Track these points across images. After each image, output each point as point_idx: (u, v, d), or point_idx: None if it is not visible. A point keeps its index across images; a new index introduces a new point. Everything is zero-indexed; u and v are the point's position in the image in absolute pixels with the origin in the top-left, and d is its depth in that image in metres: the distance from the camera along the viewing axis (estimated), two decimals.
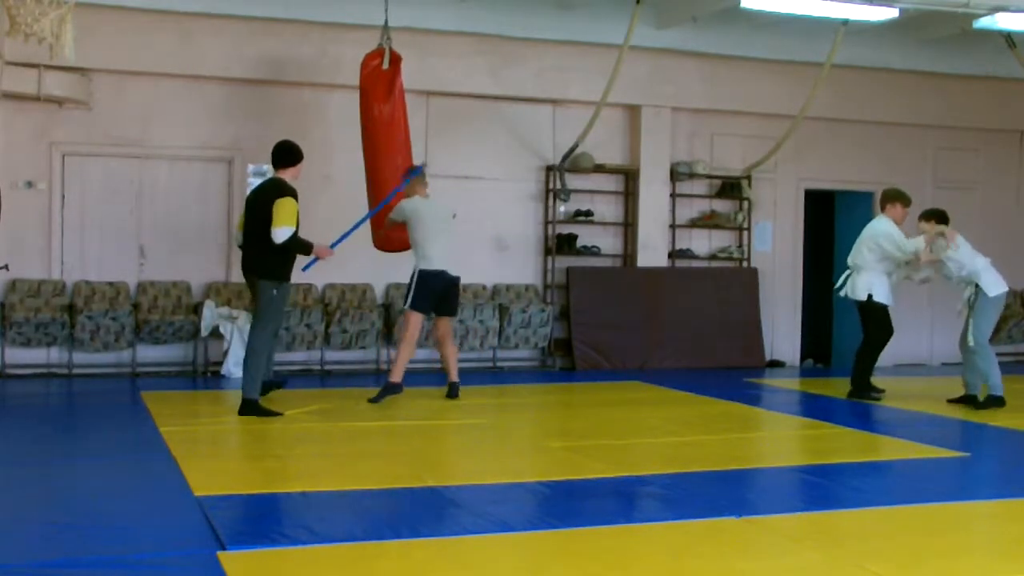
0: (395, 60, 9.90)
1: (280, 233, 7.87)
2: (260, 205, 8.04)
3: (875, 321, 9.62)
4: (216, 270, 11.02)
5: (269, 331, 8.26)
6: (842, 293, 9.79)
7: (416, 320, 8.93)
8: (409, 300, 8.85)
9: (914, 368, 13.12)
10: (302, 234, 8.09)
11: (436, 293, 8.91)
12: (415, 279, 8.84)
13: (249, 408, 8.06)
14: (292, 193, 8.04)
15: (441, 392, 9.38)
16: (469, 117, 11.68)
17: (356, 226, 9.16)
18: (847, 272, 9.77)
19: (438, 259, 8.86)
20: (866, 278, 9.54)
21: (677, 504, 5.57)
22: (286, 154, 8.27)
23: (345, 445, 7.14)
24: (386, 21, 9.89)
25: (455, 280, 9.05)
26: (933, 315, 13.47)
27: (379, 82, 9.83)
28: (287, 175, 8.22)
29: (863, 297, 9.56)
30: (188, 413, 8.64)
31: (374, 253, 10.42)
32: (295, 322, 10.58)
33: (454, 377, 9.28)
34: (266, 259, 8.03)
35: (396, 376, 8.87)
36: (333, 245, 8.61)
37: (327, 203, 10.82)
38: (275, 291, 8.07)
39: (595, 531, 4.94)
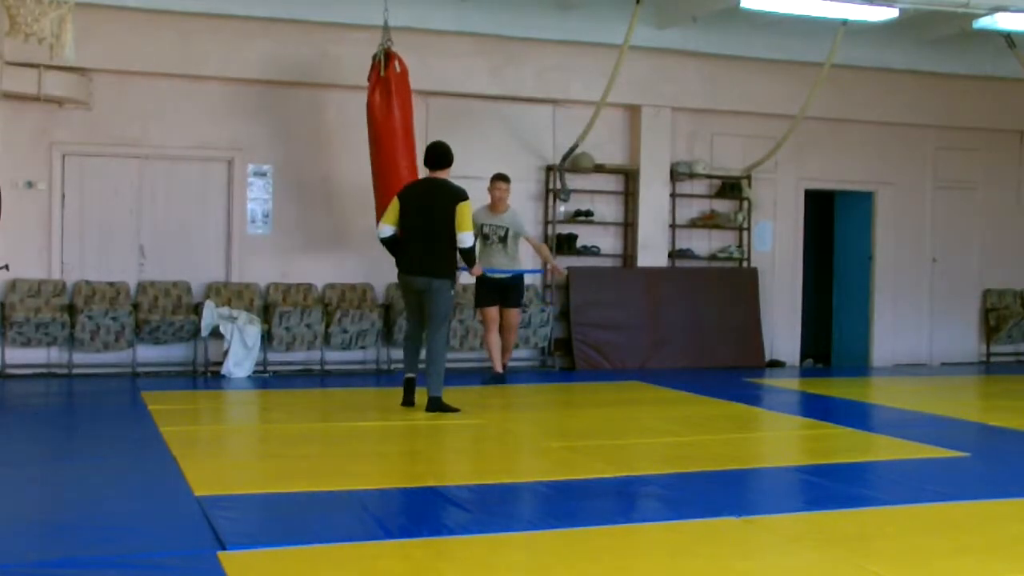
0: (402, 64, 9.94)
1: (466, 238, 8.26)
2: (437, 207, 8.23)
3: None
4: (216, 270, 11.02)
5: (446, 329, 8.56)
6: None
7: None
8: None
9: (914, 368, 13.10)
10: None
11: None
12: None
13: (434, 405, 8.24)
14: (467, 197, 8.33)
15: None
16: (469, 117, 11.67)
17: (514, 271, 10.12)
18: None
19: None
20: None
21: (677, 504, 5.57)
22: (443, 156, 8.48)
23: (345, 445, 7.14)
24: (385, 22, 9.88)
25: None
26: (933, 316, 13.48)
27: (389, 84, 9.87)
28: (445, 176, 8.48)
29: None
30: (188, 413, 8.66)
31: (374, 253, 10.41)
32: (295, 322, 10.57)
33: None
34: (444, 260, 8.31)
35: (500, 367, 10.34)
36: (486, 270, 9.60)
37: (325, 202, 10.81)
38: (452, 291, 8.41)
39: (595, 531, 4.93)
